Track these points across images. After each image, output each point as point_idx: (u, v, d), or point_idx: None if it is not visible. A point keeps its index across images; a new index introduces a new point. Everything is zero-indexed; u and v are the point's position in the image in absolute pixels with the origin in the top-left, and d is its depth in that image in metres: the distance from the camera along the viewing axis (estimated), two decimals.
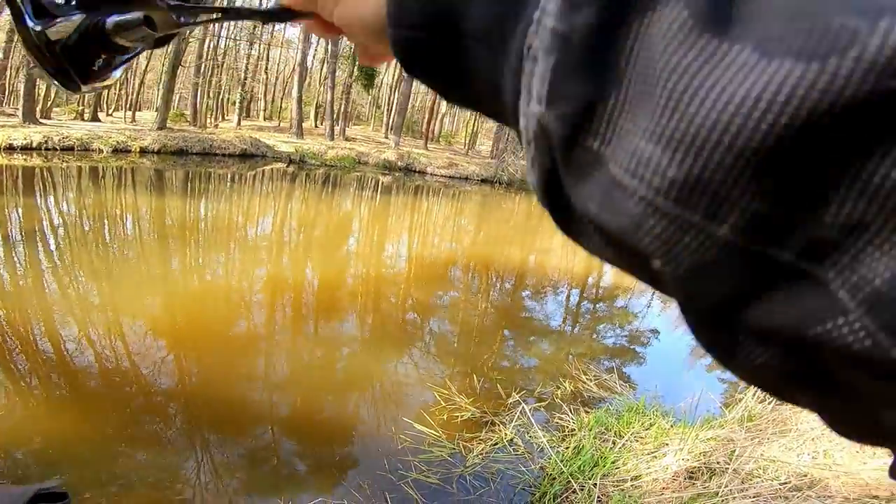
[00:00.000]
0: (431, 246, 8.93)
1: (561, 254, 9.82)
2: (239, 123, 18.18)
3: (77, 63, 0.31)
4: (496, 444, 3.48)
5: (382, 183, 14.94)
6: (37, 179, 8.70)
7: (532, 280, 7.90)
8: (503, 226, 12.02)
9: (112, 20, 0.29)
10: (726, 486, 2.87)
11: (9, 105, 14.62)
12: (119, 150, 11.16)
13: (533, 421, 3.58)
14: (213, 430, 3.16)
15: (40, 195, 7.88)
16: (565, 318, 6.65)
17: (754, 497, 2.76)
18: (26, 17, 0.29)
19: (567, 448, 3.48)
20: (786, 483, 2.91)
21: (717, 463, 3.24)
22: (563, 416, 3.91)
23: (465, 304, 6.15)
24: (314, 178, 13.64)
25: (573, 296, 7.62)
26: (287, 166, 14.25)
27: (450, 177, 18.49)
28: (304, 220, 9.23)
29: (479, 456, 3.31)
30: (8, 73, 14.22)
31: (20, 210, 6.96)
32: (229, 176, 11.79)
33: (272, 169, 13.46)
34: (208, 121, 16.40)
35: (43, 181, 8.69)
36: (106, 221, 7.16)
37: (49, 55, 0.30)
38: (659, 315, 7.06)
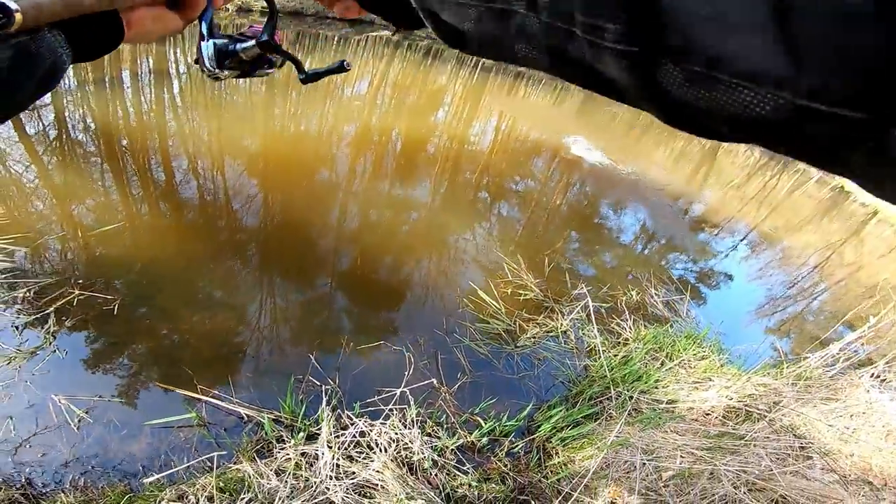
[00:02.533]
0: (518, 132, 8.52)
1: (662, 168, 9.04)
2: None
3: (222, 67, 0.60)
4: (550, 331, 3.61)
5: (484, 63, 13.99)
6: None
7: (622, 190, 7.43)
8: (603, 127, 11.07)
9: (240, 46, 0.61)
10: (755, 433, 2.86)
11: None
12: (242, 10, 11.46)
13: (592, 319, 3.60)
14: (288, 272, 3.47)
15: (169, 44, 8.42)
16: (647, 236, 6.30)
17: (773, 451, 2.76)
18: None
19: (616, 356, 3.54)
20: (804, 447, 2.92)
21: (758, 409, 3.23)
22: (621, 322, 3.91)
23: (542, 195, 5.99)
24: (416, 48, 13.11)
25: (662, 215, 7.09)
26: (392, 35, 13.77)
27: None
28: (398, 87, 9.12)
29: (531, 339, 3.47)
30: None
31: (151, 56, 7.53)
32: (336, 38, 11.68)
33: (378, 36, 13.08)
34: None
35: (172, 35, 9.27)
36: None
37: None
38: (742, 260, 6.50)
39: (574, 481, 2.44)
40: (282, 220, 4.10)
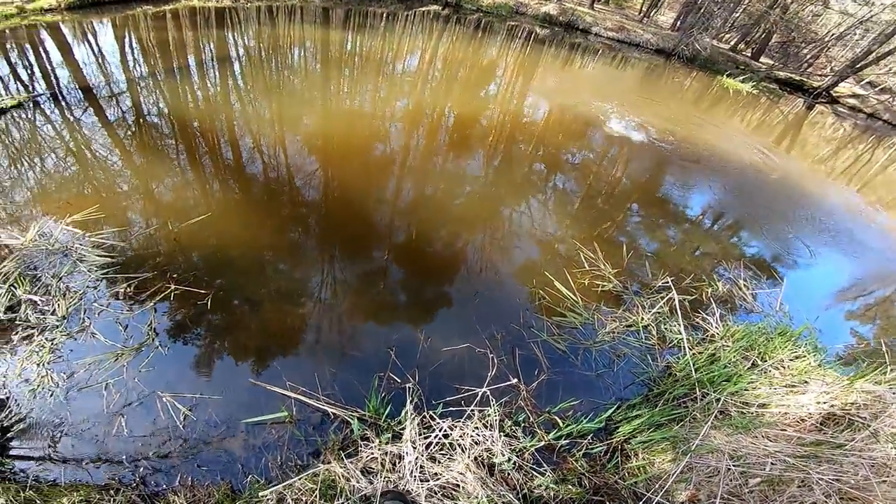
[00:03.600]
0: (577, 104, 8.05)
1: (731, 143, 8.27)
2: None
3: None
4: (630, 326, 3.37)
5: (537, 34, 13.37)
6: (226, 17, 9.52)
7: (692, 166, 6.85)
8: (666, 100, 10.27)
9: None
10: (855, 443, 2.58)
11: None
12: None
13: (678, 313, 3.33)
14: (357, 264, 3.41)
15: (228, 30, 8.66)
16: (730, 218, 5.75)
17: (871, 462, 2.47)
18: None
19: (702, 353, 3.25)
20: None
21: (860, 418, 2.86)
22: (707, 317, 3.59)
23: (603, 172, 5.61)
24: (466, 22, 12.73)
25: (745, 193, 6.42)
26: (442, 9, 13.45)
27: (618, 40, 15.76)
28: (450, 61, 8.91)
29: (610, 334, 3.27)
30: None
31: (213, 42, 7.75)
32: (385, 14, 11.54)
33: (427, 10, 12.81)
34: None
35: (231, 19, 9.48)
36: (279, 51, 7.69)
37: None
38: (840, 245, 5.78)
39: (653, 485, 2.31)
40: (346, 199, 4.06)
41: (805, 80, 16.61)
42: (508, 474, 2.27)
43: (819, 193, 7.24)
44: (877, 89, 18.57)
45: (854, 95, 16.58)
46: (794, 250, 5.24)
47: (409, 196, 4.31)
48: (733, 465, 2.42)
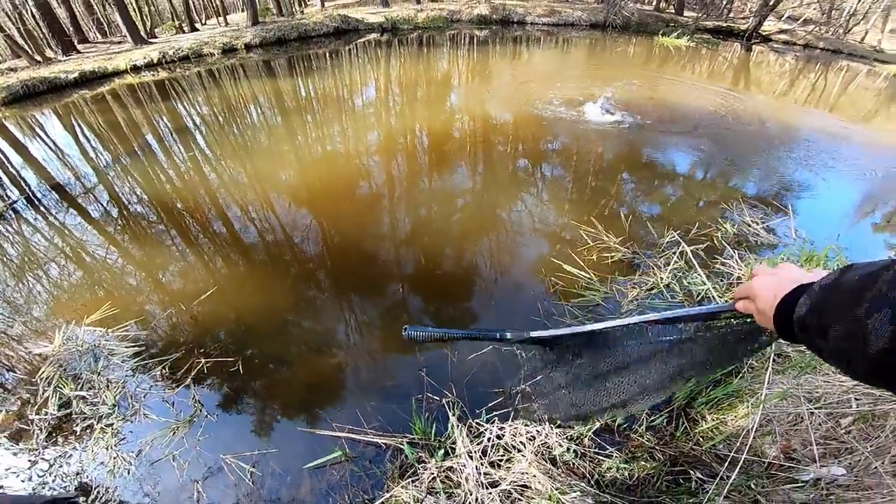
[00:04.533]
0: (539, 92, 8.18)
1: (699, 92, 8.47)
2: (323, 5, 17.34)
3: None
4: (652, 289, 3.28)
5: (479, 37, 13.66)
6: (168, 88, 9.46)
7: (670, 114, 7.00)
8: (619, 68, 10.52)
9: None
10: None
11: (113, 35, 15.35)
12: (227, 51, 11.83)
13: (695, 264, 3.28)
14: (375, 295, 3.38)
15: (176, 100, 8.61)
16: (717, 162, 5.77)
17: None
18: None
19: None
20: None
21: None
22: (726, 260, 3.51)
23: (585, 148, 5.66)
24: (408, 42, 12.92)
25: (723, 137, 6.50)
26: (380, 35, 13.64)
27: (553, 24, 16.19)
28: (406, 82, 8.95)
29: (634, 302, 3.17)
30: (95, 7, 14.81)
31: (165, 116, 7.71)
32: (328, 54, 11.66)
33: (366, 40, 12.97)
34: (294, 9, 15.89)
35: (174, 89, 9.43)
36: (235, 112, 7.67)
37: None
38: (827, 163, 5.90)
39: (734, 443, 2.19)
40: (346, 244, 4.01)
41: (732, 25, 17.15)
42: (573, 464, 2.21)
43: (795, 122, 7.38)
44: (799, 22, 19.18)
45: (782, 31, 17.12)
46: (792, 179, 5.26)
47: (405, 225, 4.22)
48: (815, 408, 2.30)
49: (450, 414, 2.34)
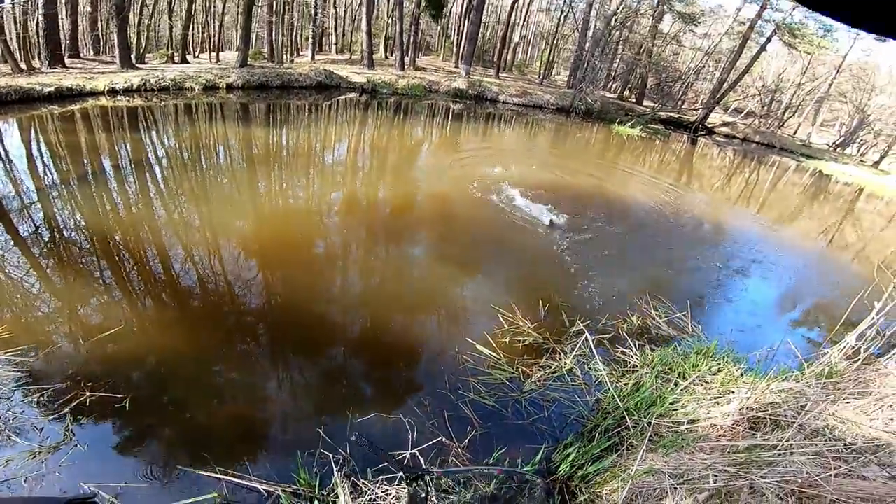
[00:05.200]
0: (504, 169, 8.78)
1: (640, 185, 9.22)
2: (313, 58, 18.36)
3: None
4: (555, 372, 3.50)
5: (454, 110, 14.60)
6: (140, 117, 9.57)
7: (605, 206, 7.55)
8: (579, 152, 11.42)
9: None
10: (787, 441, 2.69)
11: (105, 54, 15.64)
12: (208, 88, 12.09)
13: (595, 352, 3.51)
14: (293, 349, 3.47)
15: (144, 130, 8.71)
16: (641, 251, 6.31)
17: (813, 455, 2.59)
18: None
19: (626, 384, 3.42)
20: (850, 445, 2.70)
21: (784, 416, 3.04)
22: (626, 350, 3.81)
23: (533, 232, 6.03)
24: (386, 105, 13.65)
25: (651, 229, 7.16)
26: (360, 95, 14.35)
27: (523, 105, 17.57)
28: (378, 146, 9.37)
29: (537, 383, 3.37)
30: (99, 24, 15.23)
31: (129, 144, 7.77)
32: (307, 106, 12.14)
33: (346, 98, 13.62)
34: (285, 57, 16.69)
35: (146, 118, 9.57)
36: (201, 151, 7.81)
37: None
38: (744, 262, 6.48)
39: None
40: (283, 298, 4.09)
41: (683, 116, 19.07)
42: None
43: (727, 221, 8.11)
44: (742, 115, 21.46)
45: (725, 124, 19.13)
46: (702, 276, 5.77)
47: (345, 289, 4.41)
48: (677, 485, 2.45)
49: (335, 469, 2.37)
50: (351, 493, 2.28)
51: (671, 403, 3.20)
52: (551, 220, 6.35)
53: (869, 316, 3.65)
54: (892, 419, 3.07)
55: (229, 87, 12.51)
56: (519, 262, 5.42)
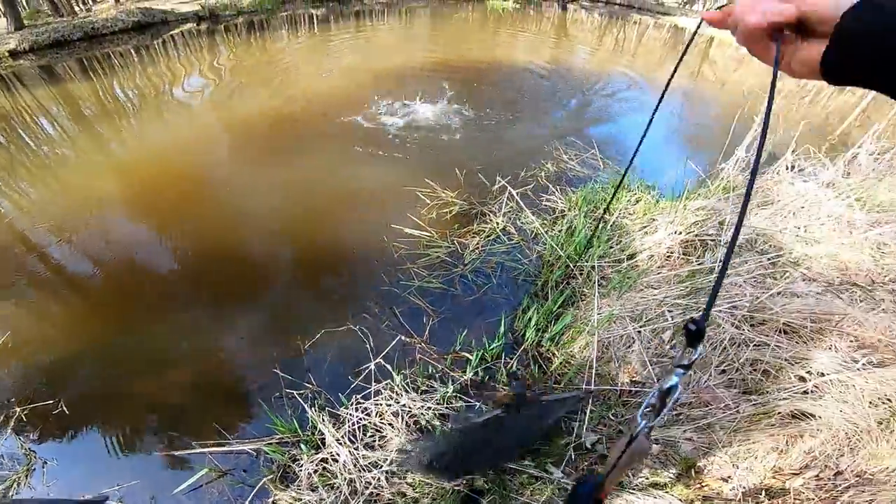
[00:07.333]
0: (386, 59, 8.16)
1: (524, 47, 9.10)
2: (118, 0, 14.50)
3: None
4: (490, 235, 3.41)
5: (318, 16, 12.95)
6: None
7: (503, 71, 7.44)
8: (460, 32, 10.88)
9: None
10: (719, 261, 2.75)
11: None
12: None
13: (522, 205, 3.44)
14: (218, 297, 3.06)
15: None
16: (540, 101, 6.37)
17: (746, 274, 2.69)
18: None
19: (560, 231, 3.41)
20: (774, 261, 2.81)
21: (709, 235, 3.16)
22: (551, 197, 3.79)
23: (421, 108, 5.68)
24: (236, 29, 11.67)
25: (546, 81, 7.23)
26: (197, 25, 12.02)
27: None
28: (238, 70, 7.97)
29: (476, 251, 3.26)
30: None
31: None
32: (131, 50, 9.94)
33: (181, 32, 11.34)
34: (75, 8, 13.03)
35: None
36: (22, 130, 6.12)
37: None
38: (629, 104, 6.76)
39: (583, 375, 2.33)
40: (189, 245, 3.51)
41: None
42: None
43: (603, 72, 8.31)
44: None
45: None
46: (600, 117, 5.90)
47: (242, 218, 3.81)
48: (640, 328, 2.47)
49: (306, 406, 2.21)
50: (333, 423, 2.13)
51: (606, 241, 3.24)
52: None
53: (751, 129, 3.92)
54: (798, 226, 3.29)
55: (14, 54, 9.66)
56: (425, 143, 5.08)
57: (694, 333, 0.52)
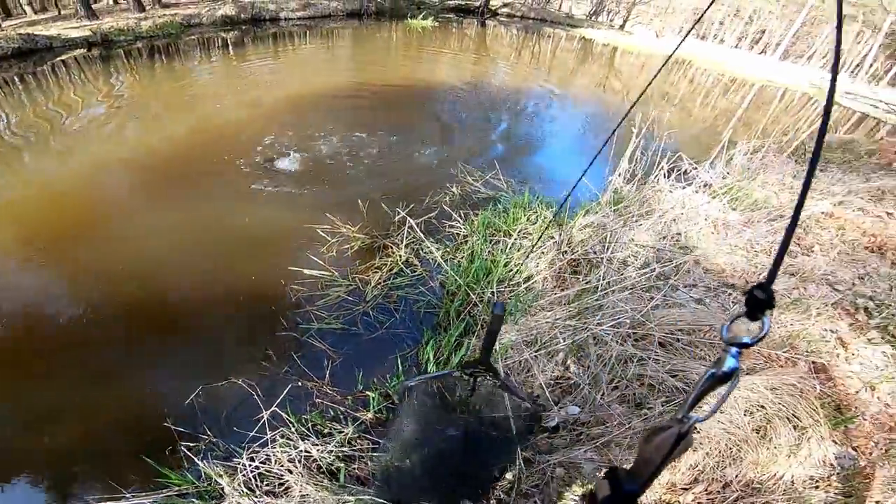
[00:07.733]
0: (302, 84, 7.99)
1: (446, 65, 9.29)
2: None
3: None
4: (392, 268, 3.38)
5: (230, 40, 12.44)
6: None
7: (420, 91, 7.56)
8: (379, 54, 10.89)
9: None
10: (604, 279, 2.85)
11: None
12: None
13: (422, 235, 3.42)
14: (109, 345, 2.84)
15: None
16: (453, 123, 6.50)
17: (630, 290, 2.78)
18: None
19: (462, 257, 3.44)
20: (653, 270, 2.93)
21: (594, 253, 3.27)
22: (454, 223, 3.82)
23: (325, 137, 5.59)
24: (132, 54, 10.89)
25: (463, 101, 7.42)
26: (88, 51, 11.07)
27: (309, 17, 15.75)
28: (133, 102, 7.40)
29: (378, 286, 3.23)
30: None
31: None
32: (13, 79, 8.97)
33: (68, 58, 10.39)
34: None
35: None
36: None
37: None
38: (542, 118, 7.07)
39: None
40: (68, 296, 3.20)
41: (469, 2, 19.39)
42: (352, 468, 2.11)
43: (521, 88, 8.67)
44: None
45: (505, 5, 20.10)
46: (511, 135, 6.11)
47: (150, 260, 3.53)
48: (535, 353, 2.52)
49: (196, 459, 2.05)
50: (228, 473, 2.02)
51: (504, 265, 3.26)
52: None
53: (632, 140, 4.14)
54: (677, 234, 3.48)
55: None
56: (328, 175, 4.97)
57: (762, 302, 0.44)
